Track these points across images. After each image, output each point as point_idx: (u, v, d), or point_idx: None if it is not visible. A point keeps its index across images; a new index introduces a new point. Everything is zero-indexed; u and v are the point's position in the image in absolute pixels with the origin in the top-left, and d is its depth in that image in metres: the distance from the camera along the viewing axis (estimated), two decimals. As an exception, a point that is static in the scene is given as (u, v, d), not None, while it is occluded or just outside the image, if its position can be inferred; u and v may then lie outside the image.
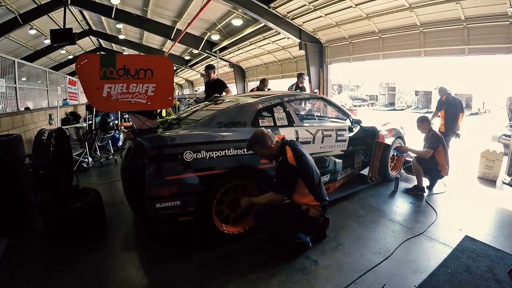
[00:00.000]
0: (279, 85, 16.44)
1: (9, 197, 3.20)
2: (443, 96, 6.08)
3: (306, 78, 7.01)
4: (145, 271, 2.53)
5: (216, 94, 4.65)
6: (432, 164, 4.23)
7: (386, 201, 3.99)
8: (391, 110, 28.95)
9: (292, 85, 7.64)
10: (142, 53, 17.82)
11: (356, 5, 8.73)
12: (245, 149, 2.81)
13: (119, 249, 2.91)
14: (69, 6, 11.29)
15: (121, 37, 17.99)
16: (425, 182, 4.32)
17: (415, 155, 4.40)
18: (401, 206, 3.84)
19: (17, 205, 3.28)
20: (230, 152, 2.78)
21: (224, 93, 5.28)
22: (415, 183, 4.28)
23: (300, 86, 7.38)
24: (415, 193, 4.16)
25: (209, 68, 5.87)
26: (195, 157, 2.62)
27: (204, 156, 2.66)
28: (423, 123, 4.47)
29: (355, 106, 29.81)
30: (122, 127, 5.04)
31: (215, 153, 2.71)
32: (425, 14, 8.20)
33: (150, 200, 2.52)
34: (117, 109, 3.77)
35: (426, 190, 4.24)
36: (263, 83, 6.94)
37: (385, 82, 33.32)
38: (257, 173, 2.93)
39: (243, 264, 2.56)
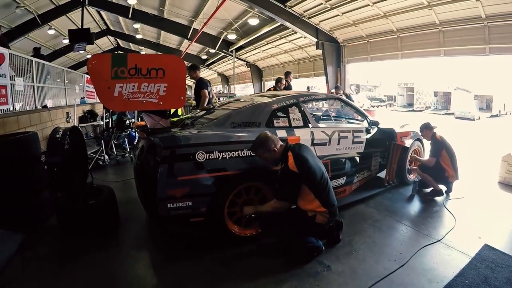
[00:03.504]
0: (296, 85, 16.36)
1: (25, 194, 3.26)
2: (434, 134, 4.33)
3: (284, 80, 6.76)
4: (155, 271, 2.53)
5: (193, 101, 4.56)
6: (438, 171, 4.08)
7: (403, 205, 3.86)
8: (409, 111, 28.44)
9: (269, 88, 7.51)
10: (159, 53, 18.07)
11: (374, 3, 8.58)
12: None
13: (130, 247, 2.92)
14: (86, 7, 11.54)
15: (139, 36, 18.25)
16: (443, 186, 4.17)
17: (419, 163, 4.29)
18: (418, 211, 3.72)
19: (33, 202, 3.33)
20: (244, 153, 2.73)
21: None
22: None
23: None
24: (433, 197, 4.02)
25: (192, 68, 5.77)
26: (207, 158, 2.59)
27: (217, 156, 2.62)
28: (424, 131, 4.32)
29: (373, 106, 29.36)
30: (135, 126, 5.08)
31: (228, 154, 2.67)
32: (444, 12, 8.00)
33: (161, 200, 2.51)
34: (128, 108, 3.80)
35: (445, 194, 4.09)
36: (279, 82, 6.87)
37: (403, 82, 32.74)
38: (270, 175, 2.86)
39: (254, 267, 2.52)
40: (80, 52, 8.57)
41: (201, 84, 5.50)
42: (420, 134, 4.53)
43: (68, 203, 3.08)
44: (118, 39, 21.07)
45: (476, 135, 12.92)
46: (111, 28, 18.42)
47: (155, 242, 3.05)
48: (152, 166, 2.57)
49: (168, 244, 2.93)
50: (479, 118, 22.02)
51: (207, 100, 5.57)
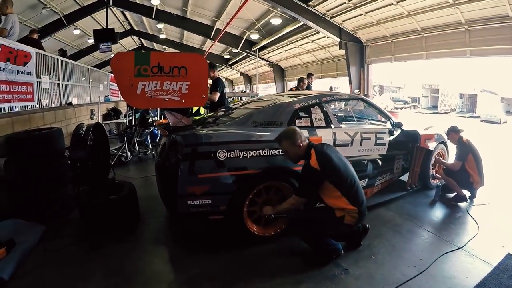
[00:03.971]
0: (318, 86, 16.26)
1: (48, 187, 3.38)
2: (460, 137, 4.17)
3: (306, 80, 6.71)
4: (173, 267, 2.57)
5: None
6: (463, 176, 3.93)
7: (425, 210, 3.75)
8: (434, 113, 27.68)
9: (291, 88, 7.44)
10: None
11: (397, 2, 8.40)
12: (280, 150, 2.75)
13: (149, 242, 2.98)
14: (110, 7, 11.82)
15: (162, 36, 18.57)
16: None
17: (444, 167, 4.15)
18: (440, 216, 3.61)
19: (56, 195, 3.46)
20: (264, 153, 2.73)
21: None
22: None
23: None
24: (456, 202, 3.89)
25: (210, 66, 5.74)
26: (228, 156, 2.60)
27: (238, 155, 2.63)
28: (451, 134, 4.18)
29: (396, 108, 28.73)
30: (158, 124, 5.16)
31: (249, 153, 2.67)
32: (470, 11, 7.74)
33: (181, 197, 2.55)
34: (151, 106, 3.87)
35: (468, 200, 3.94)
36: (302, 82, 6.85)
37: (428, 83, 31.89)
38: (291, 175, 2.85)
39: (271, 267, 2.51)
40: (106, 52, 8.80)
41: (215, 85, 5.42)
42: (445, 137, 4.39)
43: (89, 197, 3.18)
44: (142, 39, 21.50)
45: (503, 139, 12.42)
46: (135, 28, 18.82)
47: (174, 238, 3.09)
48: (173, 163, 2.61)
49: (186, 241, 2.96)
50: (506, 122, 21.16)
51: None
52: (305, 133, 2.97)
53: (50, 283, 2.33)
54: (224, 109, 3.80)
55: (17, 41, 4.81)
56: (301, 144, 2.53)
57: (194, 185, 2.53)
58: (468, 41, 8.39)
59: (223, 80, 5.70)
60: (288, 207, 2.60)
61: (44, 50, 6.59)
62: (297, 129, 2.62)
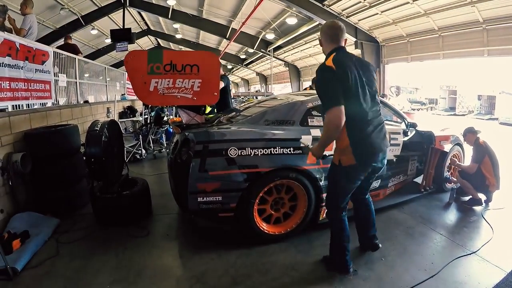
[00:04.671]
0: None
1: (63, 182, 3.49)
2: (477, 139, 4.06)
3: None
4: (182, 262, 2.60)
5: None
6: (479, 178, 3.82)
7: (439, 213, 3.67)
8: (451, 115, 26.97)
9: (305, 88, 7.40)
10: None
11: (414, 1, 8.27)
12: (291, 149, 2.76)
13: (160, 238, 3.03)
14: (127, 8, 12.03)
15: (178, 36, 18.80)
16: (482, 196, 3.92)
17: (459, 169, 4.06)
18: (454, 219, 3.52)
19: (70, 190, 3.57)
20: (276, 151, 2.73)
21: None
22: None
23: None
24: (471, 206, 3.79)
25: None
26: (239, 154, 2.61)
27: (249, 153, 2.64)
28: (468, 135, 4.09)
29: (413, 109, 28.15)
30: (172, 122, 5.22)
31: (260, 151, 2.67)
32: (488, 9, 7.55)
33: (192, 194, 2.58)
34: (163, 103, 3.93)
35: (484, 204, 3.84)
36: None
37: (445, 84, 31.16)
38: (302, 173, 2.84)
39: (279, 266, 2.51)
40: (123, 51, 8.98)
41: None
42: (461, 138, 4.29)
43: (103, 192, 3.26)
44: (158, 39, 21.80)
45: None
46: (152, 28, 19.10)
47: (184, 234, 3.14)
48: (185, 160, 2.64)
49: (196, 237, 3.00)
50: (525, 125, 20.47)
51: None
52: (317, 132, 2.96)
53: (61, 275, 2.40)
54: (233, 111, 3.81)
55: (56, 47, 4.98)
56: (326, 43, 2.28)
57: (205, 182, 2.56)
58: (486, 40, 8.19)
59: (228, 78, 5.66)
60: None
61: (81, 53, 6.89)
62: (342, 26, 2.27)
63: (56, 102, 5.46)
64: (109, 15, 13.12)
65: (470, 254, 2.73)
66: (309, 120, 3.07)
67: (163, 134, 7.17)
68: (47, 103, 5.15)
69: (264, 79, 26.29)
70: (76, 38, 14.23)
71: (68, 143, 3.66)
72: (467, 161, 4.38)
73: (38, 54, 4.79)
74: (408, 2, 8.38)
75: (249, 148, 2.64)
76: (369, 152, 2.19)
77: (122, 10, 11.11)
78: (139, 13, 15.39)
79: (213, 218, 2.68)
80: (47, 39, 11.62)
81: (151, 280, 2.34)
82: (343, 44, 2.27)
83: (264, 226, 2.83)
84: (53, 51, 5.36)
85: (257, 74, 26.50)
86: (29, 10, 4.89)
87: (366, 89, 2.17)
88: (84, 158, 3.54)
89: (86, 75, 7.54)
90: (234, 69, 28.53)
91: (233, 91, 33.54)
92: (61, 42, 12.72)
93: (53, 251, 2.70)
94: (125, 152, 5.10)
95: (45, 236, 2.90)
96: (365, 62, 2.37)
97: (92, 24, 13.38)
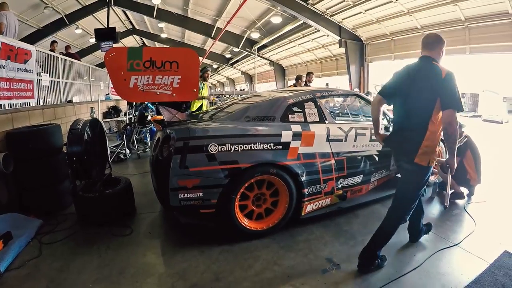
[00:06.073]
0: (319, 84, 16.32)
1: (46, 182, 3.43)
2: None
3: (304, 78, 6.83)
4: (164, 260, 2.58)
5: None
6: (460, 172, 3.87)
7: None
8: (434, 111, 27.46)
9: (290, 86, 7.46)
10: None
11: (396, 0, 8.37)
12: (272, 144, 2.79)
13: (143, 236, 3.01)
14: (112, 7, 11.90)
15: (163, 35, 18.66)
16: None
17: (440, 164, 4.11)
18: (437, 213, 3.58)
19: (53, 190, 3.51)
20: (256, 147, 2.74)
21: None
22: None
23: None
24: (454, 200, 3.86)
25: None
26: (219, 150, 2.61)
27: (229, 149, 2.64)
28: None
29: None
30: (153, 120, 5.20)
31: (240, 147, 2.68)
32: (470, 8, 7.78)
33: (173, 190, 2.56)
34: (143, 99, 3.91)
35: (466, 197, 3.92)
36: (300, 79, 6.87)
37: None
38: (282, 169, 2.86)
39: (261, 261, 2.51)
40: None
41: None
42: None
43: (85, 192, 3.21)
44: (143, 38, 21.60)
45: (504, 138, 12.33)
46: (137, 27, 18.95)
47: (167, 232, 3.12)
48: (166, 157, 2.64)
49: (179, 235, 2.99)
50: (508, 121, 20.99)
51: None
52: (298, 128, 3.01)
53: (44, 275, 2.36)
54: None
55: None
56: (439, 54, 2.35)
57: (186, 178, 2.55)
58: (468, 38, 8.41)
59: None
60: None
61: (80, 60, 6.80)
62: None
63: (38, 102, 5.36)
64: (94, 14, 12.97)
65: (453, 246, 2.79)
66: (289, 116, 3.10)
67: (147, 134, 7.10)
68: (30, 102, 5.04)
69: (249, 78, 26.34)
70: (60, 37, 14.00)
71: (51, 142, 3.60)
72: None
73: (20, 53, 4.69)
74: (391, 1, 8.54)
75: (229, 144, 2.64)
76: None
77: (106, 9, 10.96)
78: (124, 12, 15.23)
79: (195, 214, 2.67)
80: (30, 39, 11.40)
81: (133, 278, 2.32)
82: None
83: (246, 222, 2.83)
84: (36, 50, 5.26)
85: (243, 73, 26.53)
86: (5, 9, 4.81)
87: None
88: (67, 157, 3.50)
89: (75, 74, 7.48)
90: (220, 68, 28.48)
91: (218, 89, 33.58)
92: (45, 41, 12.59)
93: (36, 252, 2.67)
94: (109, 152, 5.04)
95: (28, 237, 2.84)
96: None
97: (76, 23, 13.20)
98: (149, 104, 6.76)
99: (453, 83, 2.17)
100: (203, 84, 5.83)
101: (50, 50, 6.99)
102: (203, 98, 5.79)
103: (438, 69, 2.20)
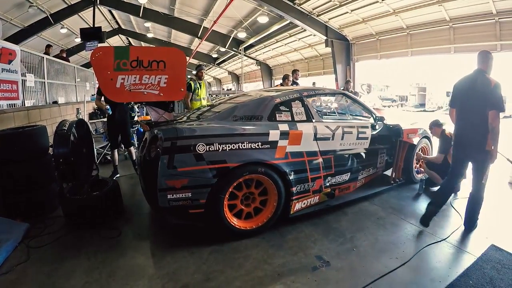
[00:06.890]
0: (305, 84, 16.43)
1: (32, 185, 3.35)
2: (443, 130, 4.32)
3: (291, 77, 6.91)
4: (154, 261, 2.55)
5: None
6: (446, 168, 3.97)
7: (409, 203, 3.80)
8: (421, 111, 27.98)
9: (277, 85, 7.50)
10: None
11: (382, 0, 8.47)
12: (259, 143, 2.79)
13: (132, 238, 2.97)
14: (98, 6, 11.71)
15: (150, 35, 18.43)
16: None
17: (426, 161, 4.24)
18: (424, 209, 3.63)
19: (40, 193, 3.42)
20: (244, 146, 2.75)
21: None
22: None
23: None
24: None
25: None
26: (207, 150, 2.61)
27: (217, 148, 2.64)
28: (434, 128, 4.30)
29: (384, 106, 28.97)
30: (140, 120, 5.14)
31: (228, 146, 2.68)
32: (455, 8, 7.92)
33: (161, 190, 2.54)
34: (130, 99, 3.86)
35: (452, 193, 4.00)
36: (287, 79, 6.89)
37: (415, 82, 32.31)
38: (270, 168, 2.87)
39: (252, 260, 2.52)
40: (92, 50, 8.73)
41: None
42: (428, 131, 4.44)
43: (72, 194, 3.16)
44: (129, 38, 21.30)
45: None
46: (123, 27, 18.66)
47: (156, 233, 3.09)
48: (153, 157, 2.61)
49: (168, 236, 2.96)
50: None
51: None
52: (285, 127, 3.03)
53: (33, 280, 2.32)
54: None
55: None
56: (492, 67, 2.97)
57: (174, 179, 2.53)
58: (452, 38, 8.55)
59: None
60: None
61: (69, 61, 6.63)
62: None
63: (23, 103, 5.25)
64: (79, 14, 12.71)
65: (440, 241, 2.84)
66: (277, 115, 3.11)
67: (133, 134, 7.00)
68: (14, 104, 4.93)
69: (236, 78, 26.28)
70: (44, 37, 13.74)
71: (36, 144, 3.53)
72: (435, 152, 4.54)
73: (4, 53, 4.59)
74: (377, 1, 8.63)
75: (217, 144, 2.64)
76: None
77: (92, 8, 10.79)
78: (110, 11, 14.96)
79: (184, 215, 2.66)
80: (15, 38, 11.14)
81: (123, 280, 2.30)
82: None
83: (235, 222, 2.83)
84: (20, 50, 5.14)
85: (229, 73, 26.48)
86: None
87: None
88: (53, 159, 3.43)
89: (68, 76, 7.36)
90: (206, 68, 28.37)
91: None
92: (29, 40, 12.34)
93: (24, 257, 2.60)
94: (96, 154, 4.96)
95: (15, 242, 2.77)
96: None
97: (61, 22, 12.93)
98: (134, 107, 6.67)
99: (499, 91, 2.78)
100: (199, 84, 5.73)
101: (45, 53, 6.89)
102: (202, 99, 5.70)
103: (488, 80, 2.81)
